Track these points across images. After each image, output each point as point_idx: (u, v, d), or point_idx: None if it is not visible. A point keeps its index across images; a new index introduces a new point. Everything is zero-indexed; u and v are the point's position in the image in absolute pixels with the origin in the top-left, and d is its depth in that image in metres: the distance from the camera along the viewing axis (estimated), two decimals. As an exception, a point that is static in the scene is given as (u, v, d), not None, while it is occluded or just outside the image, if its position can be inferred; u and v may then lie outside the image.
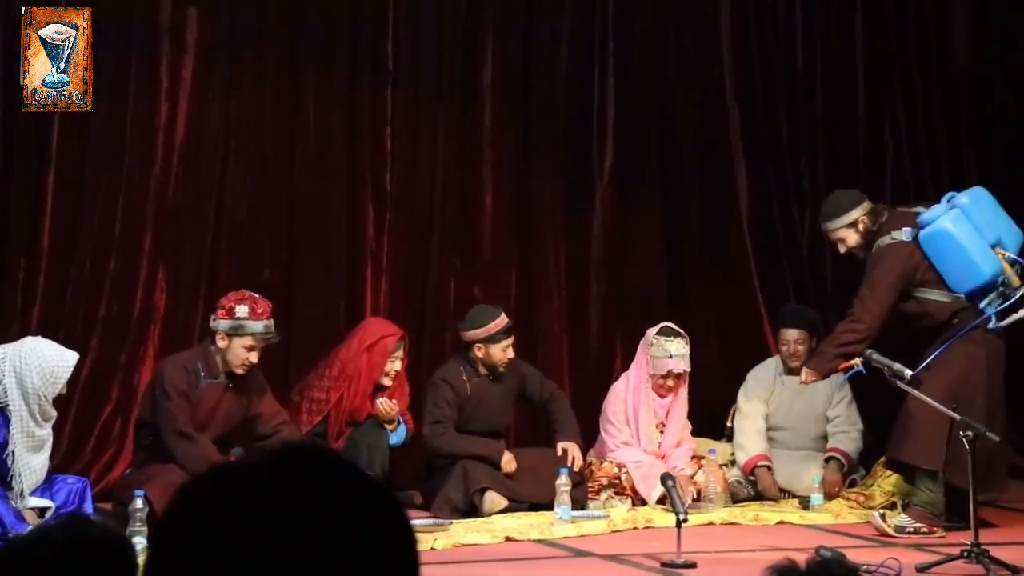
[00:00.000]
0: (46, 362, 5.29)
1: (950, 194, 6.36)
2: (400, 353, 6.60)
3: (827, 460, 6.92)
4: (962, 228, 6.15)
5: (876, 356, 5.81)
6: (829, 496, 6.73)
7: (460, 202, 7.61)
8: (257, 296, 6.08)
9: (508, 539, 5.87)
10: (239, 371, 5.97)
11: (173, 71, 7.01)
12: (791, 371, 7.02)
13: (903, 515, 6.08)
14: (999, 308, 6.08)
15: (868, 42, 8.36)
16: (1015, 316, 6.06)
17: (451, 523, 6.04)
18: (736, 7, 8.12)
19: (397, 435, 6.57)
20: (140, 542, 5.27)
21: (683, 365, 6.83)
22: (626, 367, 7.50)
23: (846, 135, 8.31)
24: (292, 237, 7.26)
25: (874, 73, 8.36)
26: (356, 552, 1.19)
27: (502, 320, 6.65)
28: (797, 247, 8.16)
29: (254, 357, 5.95)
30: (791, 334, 7.04)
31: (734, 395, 7.15)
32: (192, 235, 7.03)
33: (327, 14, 7.34)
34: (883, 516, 6.10)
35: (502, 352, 6.62)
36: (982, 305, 6.12)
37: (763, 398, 7.06)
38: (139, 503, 5.35)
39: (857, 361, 6.03)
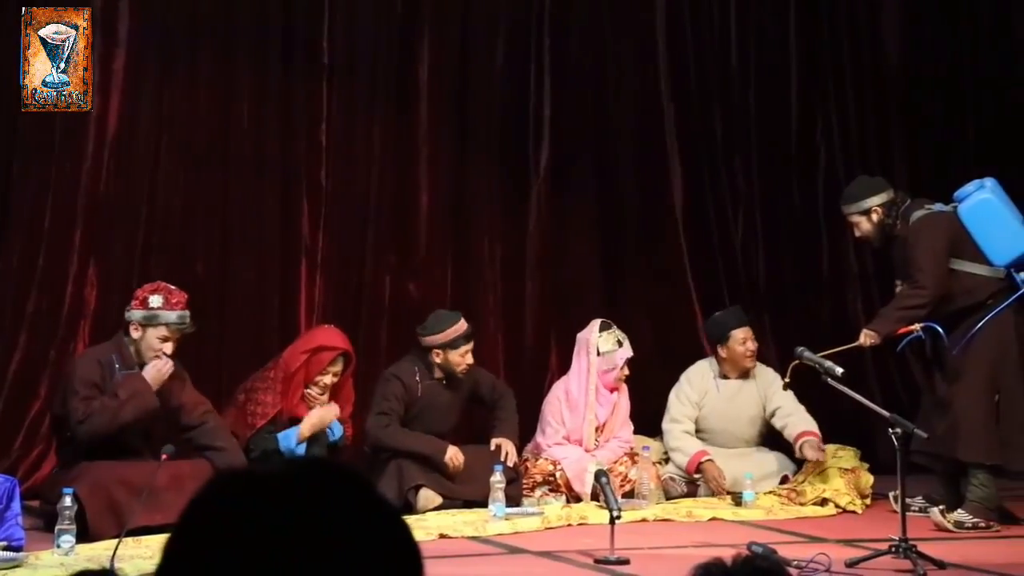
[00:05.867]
0: None
1: (975, 182, 6.48)
2: (337, 368, 6.44)
3: (801, 447, 6.82)
4: (1000, 199, 6.34)
5: (807, 354, 5.87)
6: (817, 461, 6.72)
7: (395, 199, 7.58)
8: (173, 287, 5.97)
9: (442, 536, 5.86)
10: (150, 361, 5.87)
11: (104, 64, 6.93)
12: (726, 375, 7.05)
13: (961, 511, 6.14)
14: None
15: (801, 42, 8.44)
16: None
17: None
18: (671, 7, 8.17)
19: (331, 433, 6.51)
20: (68, 540, 5.22)
21: (630, 351, 6.88)
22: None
23: (779, 134, 8.38)
24: (226, 233, 7.20)
25: (807, 73, 8.44)
26: (369, 564, 1.21)
27: (462, 326, 6.62)
28: (731, 246, 8.22)
29: (168, 348, 5.84)
30: (744, 332, 7.00)
31: (669, 393, 7.17)
32: (124, 230, 6.95)
33: (262, 8, 7.29)
34: (942, 512, 6.14)
35: (460, 358, 6.60)
36: (1020, 278, 6.23)
37: (695, 401, 7.06)
38: (68, 501, 5.28)
39: (917, 327, 6.24)
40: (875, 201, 6.49)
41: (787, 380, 6.44)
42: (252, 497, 1.22)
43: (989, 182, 6.42)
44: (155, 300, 5.84)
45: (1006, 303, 6.22)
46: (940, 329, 6.27)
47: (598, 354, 6.87)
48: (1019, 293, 6.22)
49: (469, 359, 6.63)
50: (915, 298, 6.30)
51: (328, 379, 6.43)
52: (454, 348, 6.57)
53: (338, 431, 6.51)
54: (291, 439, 6.29)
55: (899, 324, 6.35)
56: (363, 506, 1.24)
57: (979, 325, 6.21)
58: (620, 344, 6.87)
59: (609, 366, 6.86)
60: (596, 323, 6.95)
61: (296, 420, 6.41)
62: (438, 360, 6.59)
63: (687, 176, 8.16)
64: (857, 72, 8.52)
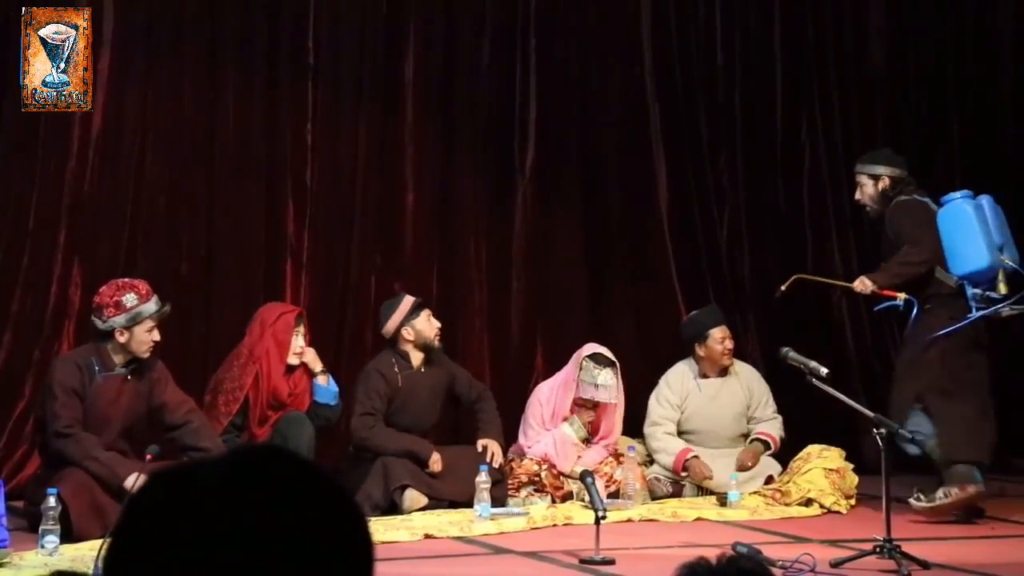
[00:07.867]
0: None
1: (966, 192, 6.54)
2: (301, 328, 6.56)
3: (751, 441, 7.00)
4: (979, 216, 6.38)
5: (793, 355, 5.88)
6: (741, 468, 6.82)
7: (381, 198, 7.58)
8: (128, 280, 5.99)
9: (427, 536, 5.86)
10: (145, 354, 5.89)
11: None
12: (706, 374, 7.07)
13: (938, 492, 6.35)
14: (979, 309, 6.32)
15: (786, 43, 8.46)
16: (987, 311, 6.29)
17: (370, 520, 5.99)
18: (657, 7, 8.18)
19: (330, 389, 6.55)
20: (53, 541, 5.21)
21: (607, 397, 6.79)
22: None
23: (765, 134, 8.40)
24: (211, 232, 7.19)
25: (792, 74, 8.46)
26: (312, 551, 1.19)
27: (408, 300, 6.69)
28: (716, 246, 8.23)
29: (156, 335, 5.90)
30: (721, 331, 7.04)
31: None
32: (108, 230, 6.93)
33: (247, 7, 7.27)
34: (918, 497, 6.38)
35: (427, 323, 6.64)
36: (970, 293, 6.35)
37: (676, 404, 7.07)
38: (51, 501, 5.27)
39: (901, 296, 6.51)
40: (886, 171, 6.75)
41: (783, 289, 6.80)
42: (186, 495, 1.20)
43: (985, 199, 6.44)
44: (130, 299, 5.84)
45: (970, 319, 6.33)
46: (916, 303, 6.48)
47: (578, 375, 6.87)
48: (972, 318, 6.31)
49: (436, 323, 6.68)
50: (914, 255, 6.55)
51: (301, 340, 6.54)
52: (415, 318, 6.60)
53: (334, 388, 6.58)
54: (321, 391, 6.50)
55: (896, 279, 6.59)
56: (305, 489, 1.23)
57: (959, 324, 6.33)
58: (595, 386, 6.77)
59: (578, 392, 6.82)
60: (597, 348, 6.86)
61: (277, 400, 6.45)
62: (411, 338, 6.61)
63: (672, 176, 8.17)
64: (842, 72, 8.55)
